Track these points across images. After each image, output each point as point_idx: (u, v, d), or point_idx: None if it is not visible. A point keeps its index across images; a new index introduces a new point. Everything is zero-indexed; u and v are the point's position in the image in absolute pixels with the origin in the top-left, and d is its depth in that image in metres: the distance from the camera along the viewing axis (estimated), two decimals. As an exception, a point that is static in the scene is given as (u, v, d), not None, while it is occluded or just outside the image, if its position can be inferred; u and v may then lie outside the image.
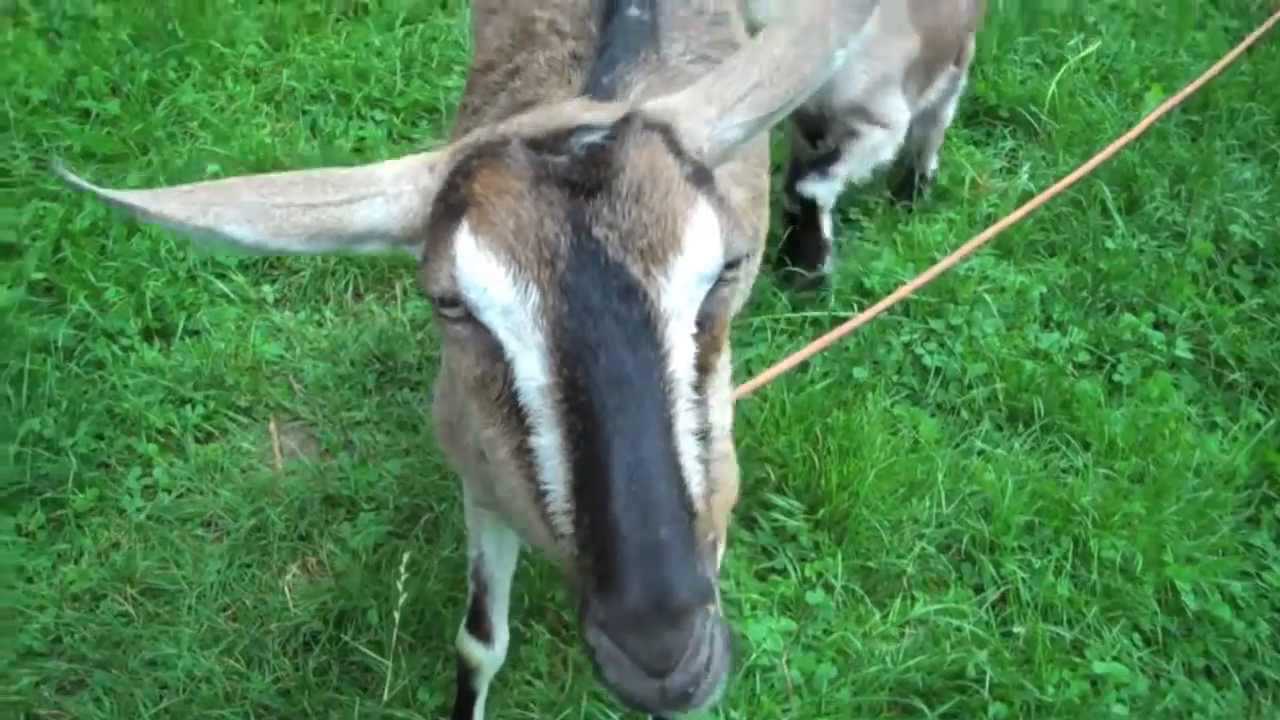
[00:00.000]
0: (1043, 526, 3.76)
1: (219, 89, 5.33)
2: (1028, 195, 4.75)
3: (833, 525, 3.77)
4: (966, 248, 4.22)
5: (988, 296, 4.42)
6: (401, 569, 3.20)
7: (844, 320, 3.92)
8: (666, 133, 1.71)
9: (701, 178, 1.68)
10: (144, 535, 3.70)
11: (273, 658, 3.38)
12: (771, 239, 3.93)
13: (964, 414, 4.13)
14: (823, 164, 4.32)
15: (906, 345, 4.31)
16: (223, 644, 3.41)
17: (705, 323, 1.64)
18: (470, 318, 1.61)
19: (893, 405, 4.13)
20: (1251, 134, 5.15)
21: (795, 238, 4.47)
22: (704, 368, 1.64)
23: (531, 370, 1.57)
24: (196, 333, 4.28)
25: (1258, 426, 4.11)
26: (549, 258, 1.55)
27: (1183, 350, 4.30)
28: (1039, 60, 5.50)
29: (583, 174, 1.59)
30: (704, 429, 1.60)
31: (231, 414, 4.04)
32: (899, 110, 4.27)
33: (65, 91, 5.19)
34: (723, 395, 1.72)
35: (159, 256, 4.43)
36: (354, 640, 3.39)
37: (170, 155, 4.88)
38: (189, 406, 4.02)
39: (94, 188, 1.66)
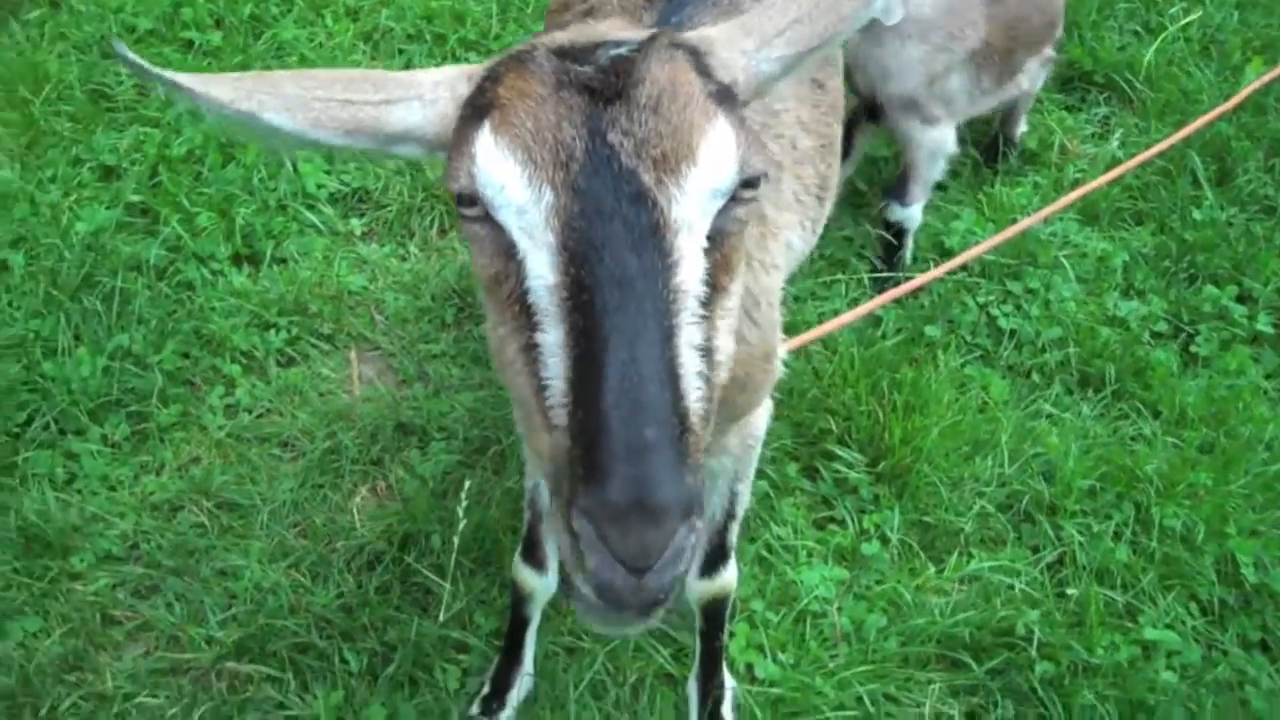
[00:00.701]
0: (1105, 491, 3.76)
1: (319, 25, 5.42)
2: (1116, 162, 4.70)
3: (893, 479, 3.79)
4: (1047, 210, 4.22)
5: (1067, 261, 4.40)
6: (464, 496, 3.29)
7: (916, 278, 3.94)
8: (695, 54, 1.74)
9: (725, 97, 1.70)
10: (223, 451, 3.82)
11: (337, 574, 3.49)
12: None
13: (1035, 377, 4.13)
14: (899, 190, 4.39)
15: (982, 306, 4.30)
16: (291, 559, 3.53)
17: (717, 238, 1.66)
18: (488, 217, 1.65)
19: (964, 365, 4.14)
20: (1354, 110, 5.04)
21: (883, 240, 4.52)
22: (714, 285, 1.66)
23: (541, 269, 1.61)
24: (284, 260, 4.39)
25: (1338, 406, 4.07)
26: (564, 160, 1.59)
27: (1264, 325, 4.25)
28: (1139, 28, 5.40)
29: (603, 82, 1.63)
30: (708, 345, 1.63)
31: (313, 340, 4.15)
32: (952, 105, 4.28)
33: (170, 22, 5.31)
34: (731, 321, 1.74)
35: (251, 185, 4.54)
36: (416, 562, 3.48)
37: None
38: (273, 331, 4.14)
39: (148, 66, 1.72)
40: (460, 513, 3.27)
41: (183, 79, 1.72)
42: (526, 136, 1.62)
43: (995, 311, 4.28)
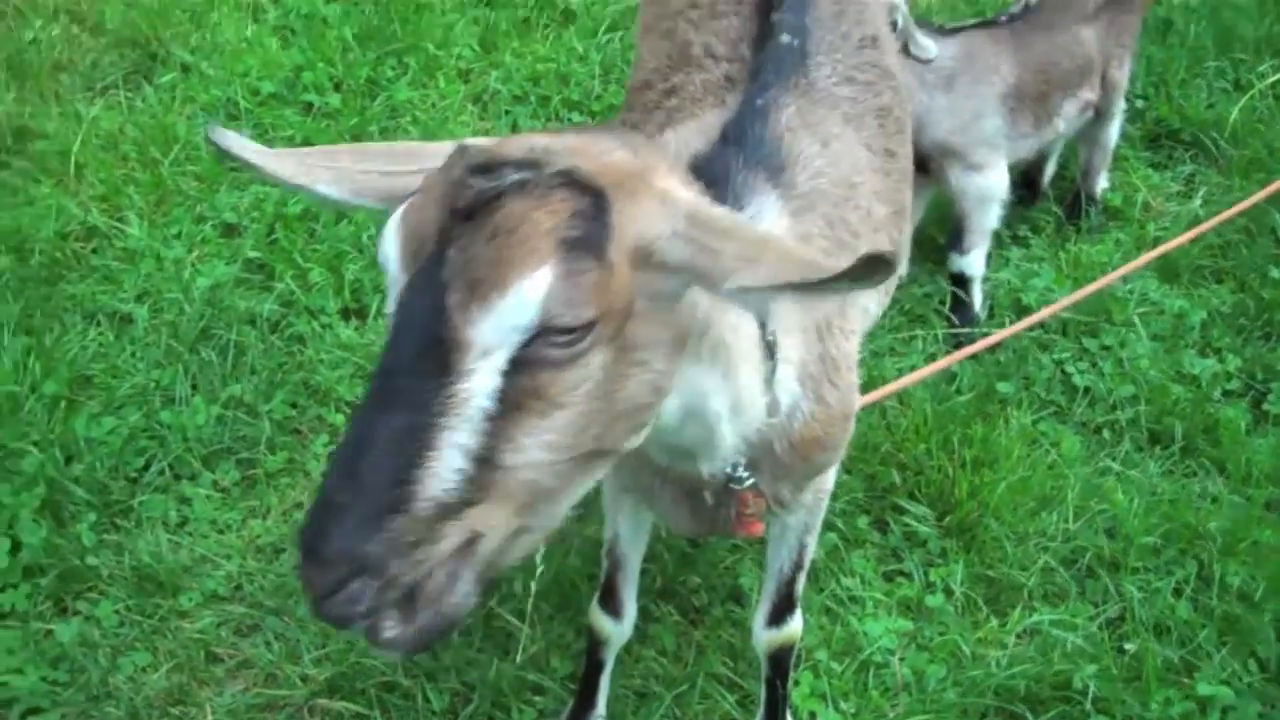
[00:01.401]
0: (1167, 548, 3.84)
1: (431, 87, 5.71)
2: (1198, 220, 4.77)
3: (961, 533, 3.92)
4: (1123, 270, 4.32)
5: (1144, 319, 4.49)
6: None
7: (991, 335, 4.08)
8: (596, 196, 1.81)
9: (580, 245, 1.76)
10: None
11: (425, 616, 3.71)
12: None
13: (1105, 434, 4.22)
14: (955, 240, 4.56)
15: (1058, 363, 4.42)
16: (383, 600, 3.76)
17: (523, 367, 1.75)
18: None
19: (1036, 421, 4.25)
20: None
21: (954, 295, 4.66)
22: (518, 406, 1.76)
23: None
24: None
25: None
26: (416, 257, 1.78)
27: (1339, 384, 4.30)
28: (1228, 85, 5.47)
29: (471, 202, 1.77)
30: (487, 455, 1.74)
31: (413, 392, 4.38)
32: (994, 149, 4.43)
33: (292, 85, 5.64)
34: (549, 439, 1.81)
35: (360, 242, 4.82)
36: (498, 606, 3.69)
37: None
38: (375, 382, 4.37)
39: (225, 141, 1.99)
40: (539, 559, 3.48)
41: (253, 155, 1.98)
42: (409, 226, 1.81)
43: (1070, 369, 4.39)
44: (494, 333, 1.72)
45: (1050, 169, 5.05)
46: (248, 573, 3.83)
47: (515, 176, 1.79)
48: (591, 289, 1.76)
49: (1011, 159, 4.61)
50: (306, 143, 5.30)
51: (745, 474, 2.47)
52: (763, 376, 2.32)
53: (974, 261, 4.57)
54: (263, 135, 5.35)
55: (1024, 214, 5.00)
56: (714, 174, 2.44)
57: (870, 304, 3.07)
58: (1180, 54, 5.49)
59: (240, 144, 2.00)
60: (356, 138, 5.35)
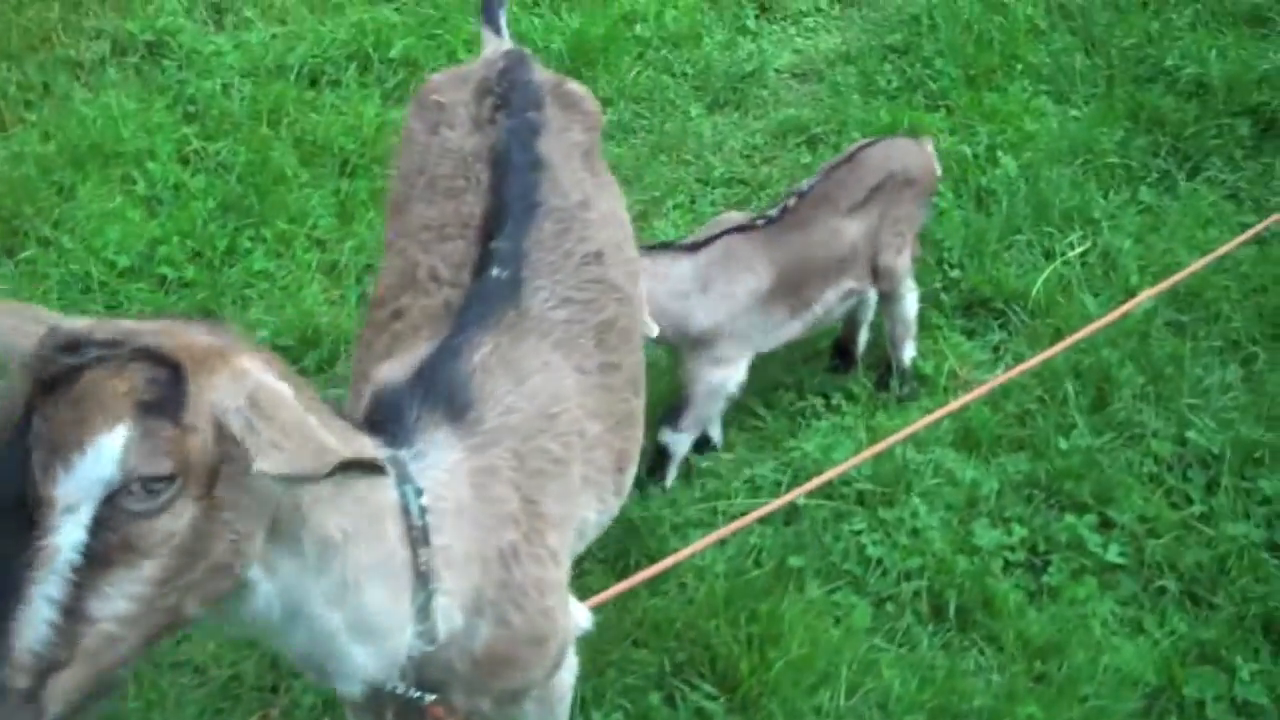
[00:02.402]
0: (932, 726, 4.01)
1: (287, 258, 5.90)
2: (1002, 389, 4.98)
3: (744, 709, 4.07)
4: (909, 430, 4.48)
5: (935, 489, 4.68)
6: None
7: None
8: (173, 368, 1.96)
9: (156, 408, 1.92)
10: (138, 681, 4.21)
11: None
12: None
13: (889, 607, 4.39)
14: (674, 416, 4.78)
15: (856, 534, 4.60)
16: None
17: (108, 521, 1.89)
18: None
19: (832, 591, 4.42)
20: (1235, 334, 5.29)
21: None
22: (105, 559, 1.90)
23: None
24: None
25: (1183, 636, 4.28)
26: (4, 428, 1.92)
27: (1114, 555, 4.48)
28: (1039, 256, 5.71)
29: (54, 375, 1.91)
30: (74, 606, 1.88)
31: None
32: (744, 344, 4.72)
33: (149, 258, 5.83)
34: (140, 591, 1.94)
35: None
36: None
37: (236, 318, 5.47)
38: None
39: None
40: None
41: None
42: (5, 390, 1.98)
43: (865, 540, 4.57)
44: (77, 489, 1.86)
45: (863, 338, 5.28)
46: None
47: (97, 353, 1.94)
48: (169, 446, 1.91)
49: (769, 347, 4.86)
50: (154, 318, 5.45)
51: (418, 694, 2.56)
52: (415, 604, 2.45)
53: (682, 442, 4.78)
54: (115, 309, 5.53)
55: (840, 384, 5.20)
56: (393, 408, 2.64)
57: (589, 514, 3.21)
58: (992, 224, 5.73)
59: None
60: (209, 311, 5.54)
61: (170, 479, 1.93)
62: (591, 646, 4.01)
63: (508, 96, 3.53)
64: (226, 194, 6.19)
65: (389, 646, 2.44)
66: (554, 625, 2.85)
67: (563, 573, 2.94)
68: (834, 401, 5.14)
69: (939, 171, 5.21)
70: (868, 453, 4.34)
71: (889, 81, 6.86)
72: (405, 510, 2.46)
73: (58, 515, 1.87)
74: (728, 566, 4.43)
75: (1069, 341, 4.73)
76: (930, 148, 5.19)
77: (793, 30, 7.46)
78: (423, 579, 2.45)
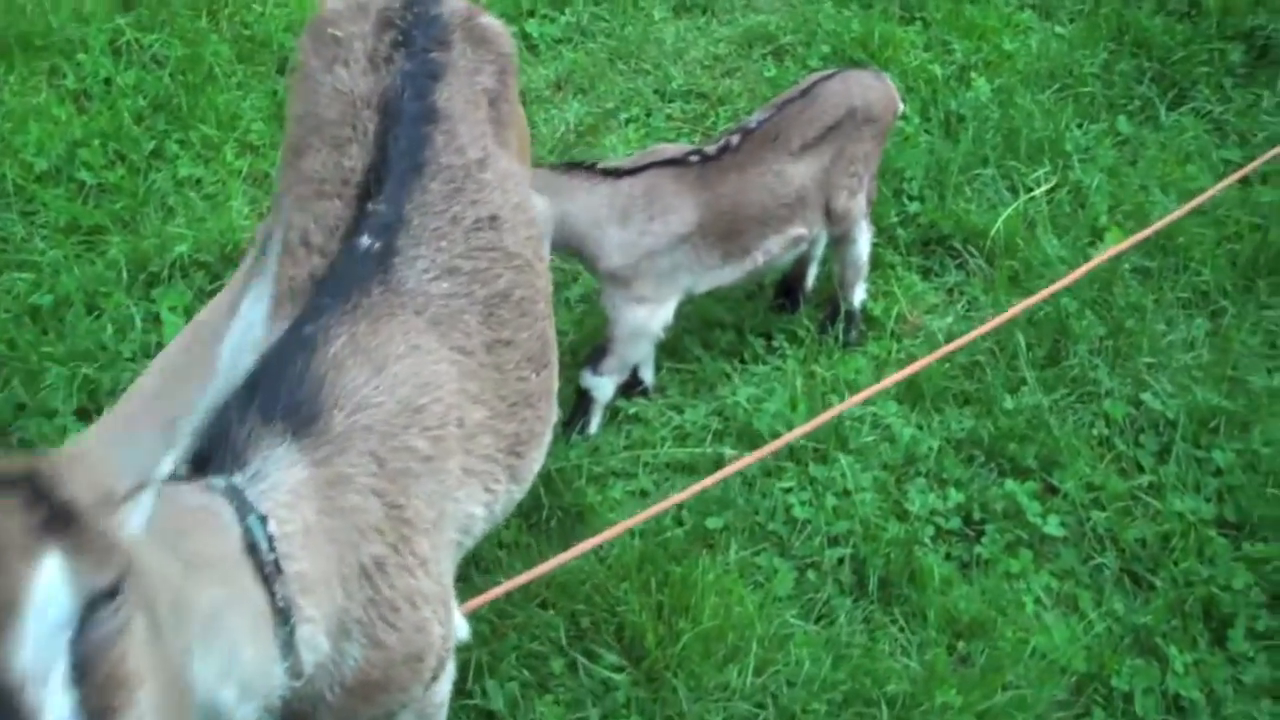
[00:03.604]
0: (845, 709, 3.79)
1: (216, 164, 5.60)
2: (952, 337, 4.70)
3: (649, 682, 3.87)
4: (855, 399, 4.26)
5: (870, 446, 4.43)
6: None
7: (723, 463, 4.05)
8: (32, 483, 1.63)
9: (62, 517, 1.62)
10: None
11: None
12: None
13: (811, 575, 4.16)
14: (595, 359, 4.48)
15: (786, 491, 4.35)
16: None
17: (90, 660, 1.58)
18: None
19: (756, 553, 4.19)
20: (1204, 285, 4.99)
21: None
22: (108, 706, 1.59)
23: None
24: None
25: (1119, 619, 4.05)
26: None
27: (1053, 528, 4.24)
28: (1007, 190, 5.38)
29: None
30: None
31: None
32: (665, 285, 4.42)
33: (70, 160, 5.52)
34: (157, 702, 1.68)
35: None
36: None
37: (156, 230, 5.18)
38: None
39: None
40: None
41: None
42: None
43: (793, 499, 4.32)
44: (39, 649, 1.54)
45: (811, 278, 4.99)
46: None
47: None
48: (98, 543, 1.62)
49: (701, 289, 4.58)
50: (70, 226, 5.20)
51: None
52: (279, 642, 2.19)
53: (603, 386, 4.51)
54: (29, 218, 5.26)
55: (783, 324, 4.92)
56: (217, 427, 2.32)
57: (476, 509, 2.93)
58: (961, 153, 5.40)
59: None
60: (126, 222, 5.26)
61: (122, 578, 1.63)
62: (493, 605, 3.81)
63: (410, 32, 3.20)
64: (158, 91, 5.87)
65: (259, 691, 2.17)
66: (430, 639, 2.61)
67: (438, 580, 2.69)
68: (775, 343, 4.86)
69: (901, 108, 4.87)
70: (813, 423, 4.09)
71: (865, -12, 6.46)
72: (252, 546, 2.19)
73: (32, 689, 1.52)
74: (645, 524, 4.18)
75: (1030, 301, 4.48)
76: (889, 80, 4.84)
77: (769, -72, 7.03)
78: (282, 615, 2.18)
